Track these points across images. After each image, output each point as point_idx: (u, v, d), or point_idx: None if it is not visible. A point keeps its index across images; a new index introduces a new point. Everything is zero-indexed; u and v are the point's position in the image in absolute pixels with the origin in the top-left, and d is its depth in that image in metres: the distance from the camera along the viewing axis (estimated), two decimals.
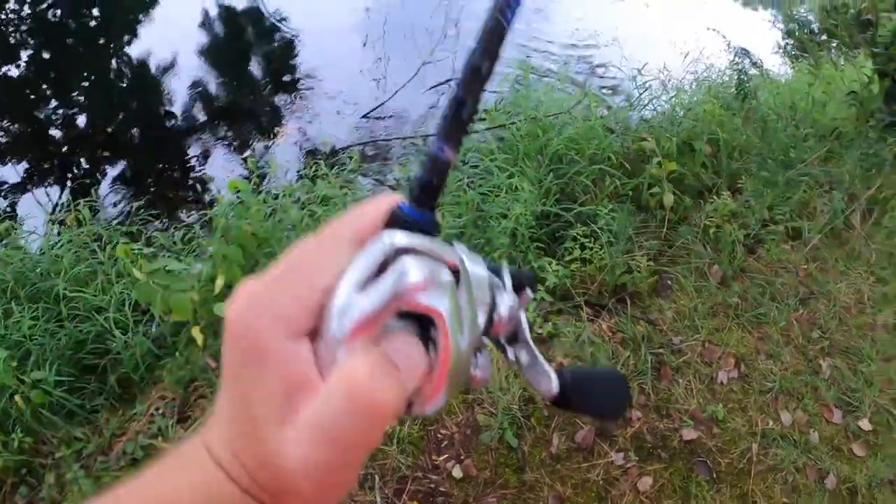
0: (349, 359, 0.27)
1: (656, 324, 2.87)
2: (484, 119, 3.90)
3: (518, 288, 0.38)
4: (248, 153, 4.64)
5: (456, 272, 0.30)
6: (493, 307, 0.35)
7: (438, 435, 2.37)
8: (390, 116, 4.71)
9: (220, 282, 2.18)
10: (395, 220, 0.31)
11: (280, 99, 5.30)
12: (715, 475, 2.46)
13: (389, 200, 0.32)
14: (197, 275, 2.28)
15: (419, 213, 0.31)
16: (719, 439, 2.55)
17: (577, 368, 0.40)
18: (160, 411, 2.30)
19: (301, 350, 0.28)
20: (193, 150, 4.70)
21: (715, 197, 3.30)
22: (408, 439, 2.29)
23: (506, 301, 0.36)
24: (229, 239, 2.35)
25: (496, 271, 0.38)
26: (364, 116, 4.72)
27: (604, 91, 4.73)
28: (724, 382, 2.71)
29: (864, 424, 2.77)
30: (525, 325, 0.38)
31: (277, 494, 0.27)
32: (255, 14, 6.40)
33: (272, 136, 4.83)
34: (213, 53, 5.81)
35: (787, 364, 2.82)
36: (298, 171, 4.16)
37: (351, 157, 3.62)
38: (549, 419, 2.51)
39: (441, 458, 2.30)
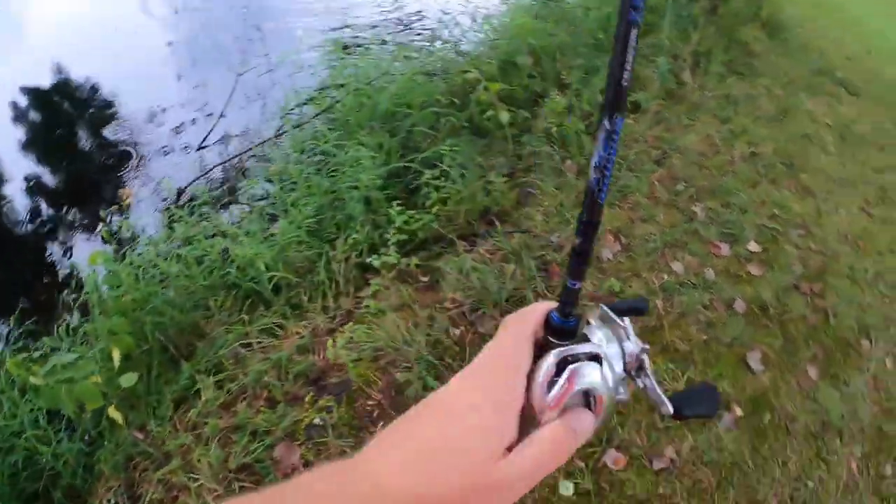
0: (550, 424, 0.45)
1: (530, 231, 2.91)
2: (310, 104, 3.95)
3: (637, 312, 0.57)
4: (102, 226, 4.49)
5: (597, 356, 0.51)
6: (624, 355, 0.53)
7: (367, 408, 2.27)
8: (231, 136, 4.69)
9: (116, 356, 2.18)
10: (549, 326, 0.51)
11: (115, 161, 5.15)
12: None
13: (544, 308, 0.50)
14: (93, 357, 2.27)
15: (565, 321, 0.51)
16: None
17: (679, 392, 0.57)
18: (112, 502, 2.10)
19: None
20: (50, 247, 4.48)
21: (547, 100, 3.44)
22: (342, 422, 2.17)
23: (631, 347, 0.53)
24: (109, 312, 2.38)
25: (621, 310, 0.55)
26: (200, 147, 4.66)
27: (422, 42, 4.90)
28: (610, 259, 2.78)
29: (752, 246, 2.93)
30: (647, 363, 0.54)
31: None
32: (65, 87, 6.21)
33: (120, 200, 4.69)
34: (37, 144, 5.57)
35: (662, 222, 2.94)
36: (158, 222, 4.05)
37: (200, 192, 3.57)
38: (462, 353, 2.46)
39: (377, 426, 2.22)
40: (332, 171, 3.37)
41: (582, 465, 2.19)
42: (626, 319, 0.57)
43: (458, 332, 2.49)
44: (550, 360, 0.50)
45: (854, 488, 2.44)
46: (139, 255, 2.88)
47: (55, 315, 3.72)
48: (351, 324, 2.42)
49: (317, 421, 2.10)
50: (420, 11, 5.55)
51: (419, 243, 2.95)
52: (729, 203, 3.06)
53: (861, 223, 3.32)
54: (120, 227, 3.68)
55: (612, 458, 2.23)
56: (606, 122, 0.49)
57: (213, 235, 2.97)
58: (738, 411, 2.40)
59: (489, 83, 3.47)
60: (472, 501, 0.41)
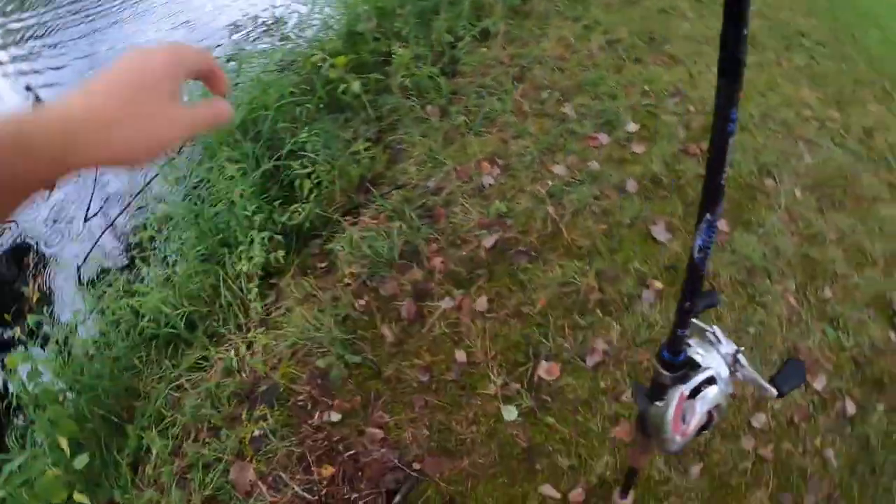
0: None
1: (406, 185, 2.87)
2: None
3: (711, 306, 0.75)
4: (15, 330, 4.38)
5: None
6: (725, 360, 0.71)
7: (299, 403, 2.24)
8: (111, 195, 4.63)
9: (63, 443, 2.22)
10: (662, 362, 0.75)
11: (11, 265, 5.04)
12: (534, 253, 2.47)
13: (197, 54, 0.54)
14: (42, 452, 2.32)
15: (675, 358, 0.72)
16: (517, 226, 2.58)
17: (774, 373, 0.71)
18: None
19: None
20: None
21: (394, 56, 3.43)
22: (280, 424, 2.14)
23: (725, 349, 0.71)
24: (44, 405, 2.43)
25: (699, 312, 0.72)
26: (87, 219, 4.62)
27: (265, 44, 4.89)
28: (492, 184, 2.76)
29: (630, 127, 2.95)
30: (743, 359, 0.71)
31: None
32: None
33: (28, 299, 4.59)
34: None
35: (535, 133, 2.93)
36: (69, 302, 3.99)
37: (99, 261, 3.60)
38: (372, 319, 2.42)
39: (314, 417, 2.18)
40: (210, 195, 3.34)
41: (517, 386, 2.16)
42: (715, 326, 0.75)
43: (363, 302, 2.46)
44: (685, 400, 0.71)
45: (798, 320, 2.47)
46: (56, 341, 2.90)
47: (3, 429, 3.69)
48: (264, 330, 2.45)
49: (257, 433, 2.14)
50: (256, 17, 5.51)
51: (309, 233, 2.93)
52: (597, 94, 3.08)
53: None
54: (33, 324, 3.67)
55: (546, 370, 2.20)
56: (708, 215, 0.64)
57: (122, 296, 2.96)
58: (657, 284, 2.39)
59: (335, 59, 3.47)
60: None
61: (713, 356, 0.72)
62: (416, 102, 3.23)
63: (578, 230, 2.51)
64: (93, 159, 0.43)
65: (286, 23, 4.47)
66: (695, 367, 0.75)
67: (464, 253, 2.54)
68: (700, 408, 0.72)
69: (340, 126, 3.31)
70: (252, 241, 2.77)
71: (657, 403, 0.78)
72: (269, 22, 5.14)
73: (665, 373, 0.74)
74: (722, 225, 2.60)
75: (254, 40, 5.30)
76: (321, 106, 3.51)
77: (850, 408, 2.37)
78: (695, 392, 0.72)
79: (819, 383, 2.37)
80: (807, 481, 2.17)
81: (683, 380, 0.77)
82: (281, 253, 2.70)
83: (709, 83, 3.28)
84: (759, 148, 2.95)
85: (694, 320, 0.72)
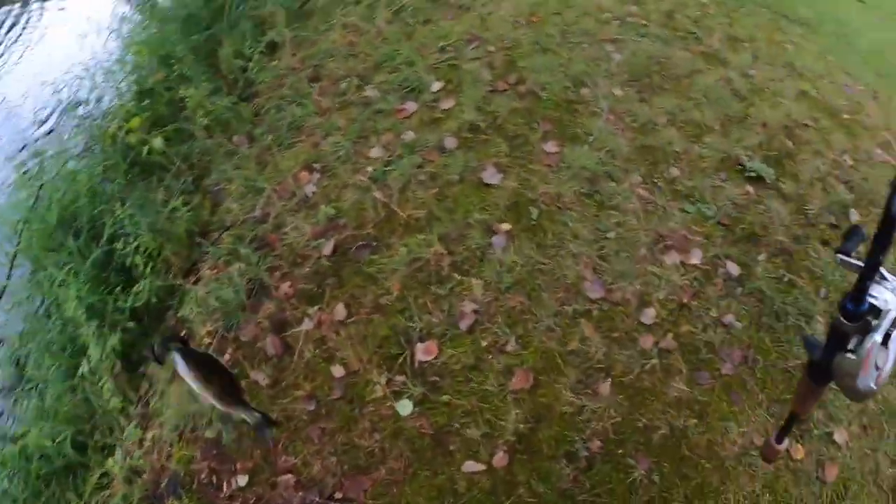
0: None
1: (233, 224, 2.82)
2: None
3: (862, 240, 0.83)
4: None
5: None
6: None
7: (202, 482, 2.16)
8: None
9: None
10: (847, 314, 0.80)
11: None
12: (374, 242, 2.49)
13: None
14: None
15: (860, 307, 0.77)
16: (350, 223, 2.58)
17: None
18: None
19: None
20: None
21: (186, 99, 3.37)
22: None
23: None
24: None
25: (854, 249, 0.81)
26: None
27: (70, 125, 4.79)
28: (314, 191, 2.75)
29: (435, 87, 3.05)
30: None
31: None
32: None
33: None
34: None
35: (342, 126, 2.97)
36: None
37: None
38: (241, 367, 2.32)
39: (223, 489, 2.11)
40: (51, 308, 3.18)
41: (402, 378, 2.13)
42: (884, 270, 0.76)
43: (227, 357, 2.40)
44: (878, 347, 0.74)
45: (654, 208, 2.56)
46: None
47: None
48: (145, 422, 2.40)
49: None
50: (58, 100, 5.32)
51: (159, 307, 2.83)
52: (395, 67, 3.13)
53: (526, 2, 3.53)
54: None
55: (423, 351, 2.18)
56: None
57: (5, 447, 2.76)
58: (504, 226, 2.42)
59: (128, 123, 3.40)
60: None
61: (891, 297, 0.75)
62: (222, 138, 3.19)
63: (411, 204, 2.52)
64: None
65: (81, 103, 4.36)
66: (876, 313, 0.79)
67: (307, 269, 2.50)
68: (894, 351, 0.71)
69: (154, 189, 3.23)
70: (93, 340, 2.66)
71: (848, 355, 0.83)
72: (69, 104, 4.99)
73: (849, 324, 0.73)
74: (550, 147, 2.67)
75: (54, 130, 5.13)
76: (130, 176, 3.43)
77: (734, 269, 2.47)
78: (885, 339, 0.76)
79: (695, 258, 2.46)
80: (718, 353, 2.24)
81: (866, 327, 0.81)
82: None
83: (503, 20, 3.40)
84: (565, 63, 3.08)
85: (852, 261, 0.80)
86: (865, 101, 3.80)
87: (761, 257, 2.56)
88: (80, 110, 4.41)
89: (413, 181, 2.59)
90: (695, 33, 3.45)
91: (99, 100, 4.30)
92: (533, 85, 2.93)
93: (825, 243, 2.70)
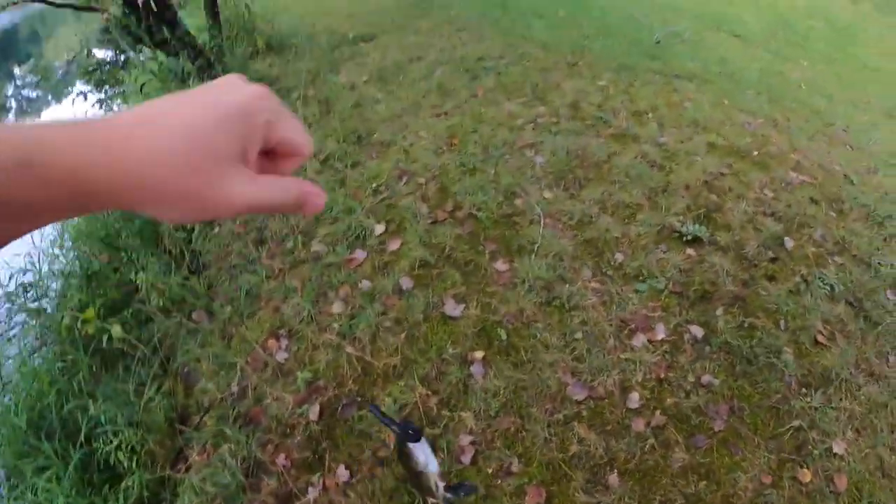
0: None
1: (213, 404, 2.96)
2: None
3: None
4: None
5: None
6: None
7: None
8: None
9: None
10: None
11: None
12: (359, 398, 2.66)
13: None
14: None
15: None
16: (330, 383, 2.78)
17: None
18: None
19: None
20: None
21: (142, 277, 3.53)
22: None
23: None
24: None
25: None
26: None
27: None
28: (286, 357, 2.96)
29: (378, 230, 3.31)
30: None
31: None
32: None
33: None
34: None
35: (298, 286, 3.20)
36: None
37: None
38: None
39: None
40: None
41: None
42: None
43: None
44: None
45: (610, 297, 2.86)
46: None
47: None
48: None
49: None
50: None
51: (153, 501, 2.90)
52: (335, 217, 3.43)
53: (443, 127, 3.92)
54: None
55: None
56: None
57: None
58: (478, 354, 2.68)
59: (84, 314, 3.50)
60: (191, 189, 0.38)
61: None
62: (181, 316, 3.36)
63: (385, 352, 2.75)
64: (114, 201, 0.37)
65: (28, 292, 4.40)
66: None
67: (299, 437, 2.67)
68: None
69: (122, 378, 3.32)
70: None
71: None
72: (14, 296, 4.97)
73: None
74: (500, 266, 2.98)
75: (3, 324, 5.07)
76: (94, 368, 3.51)
77: (698, 331, 2.78)
78: None
79: (660, 332, 2.76)
80: (706, 413, 2.50)
81: None
82: None
83: (424, 150, 3.79)
84: (494, 179, 3.44)
85: None
86: (768, 132, 4.31)
87: (719, 312, 2.88)
88: (30, 301, 4.48)
89: (380, 329, 2.84)
90: (601, 117, 3.91)
91: (45, 290, 4.39)
92: (469, 208, 3.27)
93: (771, 278, 3.05)
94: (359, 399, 2.70)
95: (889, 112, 6.41)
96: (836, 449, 2.36)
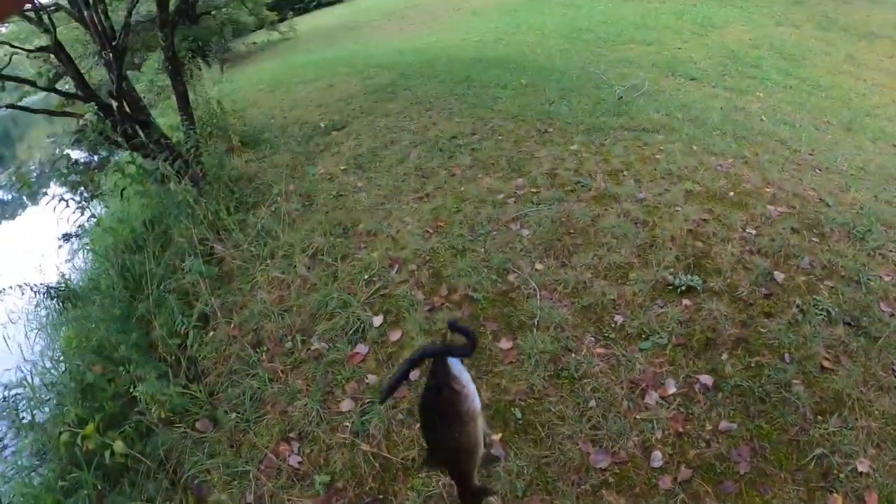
0: None
1: None
2: None
3: None
4: None
5: None
6: None
7: None
8: None
9: None
10: None
11: None
12: (380, 496, 2.63)
13: None
14: None
15: None
16: (349, 485, 2.75)
17: None
18: None
19: None
20: None
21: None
22: None
23: None
24: None
25: None
26: None
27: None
28: (300, 461, 2.93)
29: (377, 322, 3.34)
30: None
31: None
32: None
33: None
34: None
35: (303, 387, 3.20)
36: None
37: None
38: None
39: None
40: None
41: None
42: None
43: None
44: None
45: (617, 361, 2.88)
46: None
47: None
48: None
49: None
50: None
51: None
52: (331, 313, 3.45)
53: (427, 210, 4.00)
54: None
55: None
56: None
57: None
58: (496, 437, 2.68)
59: (84, 430, 3.40)
60: None
61: None
62: (183, 426, 3.30)
63: (401, 446, 2.74)
64: None
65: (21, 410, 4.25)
66: None
67: None
68: None
69: (130, 495, 3.21)
70: None
71: None
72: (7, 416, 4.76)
73: None
74: (504, 344, 3.01)
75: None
76: (98, 486, 3.40)
77: (707, 380, 2.81)
78: None
79: (671, 387, 2.78)
80: (730, 458, 2.49)
81: None
82: None
83: (411, 235, 3.87)
84: (485, 258, 3.51)
85: None
86: (740, 170, 4.45)
87: (724, 357, 2.92)
88: (24, 418, 4.33)
89: (394, 422, 2.83)
90: (579, 181, 4.03)
91: (39, 404, 4.26)
92: (465, 290, 3.33)
93: (768, 315, 3.11)
94: (380, 497, 2.67)
95: (847, 126, 6.66)
96: (860, 468, 2.36)
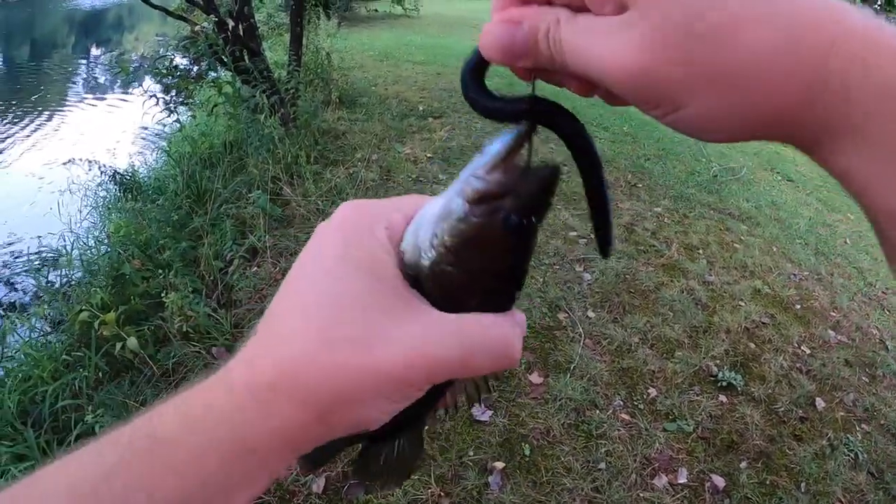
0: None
1: None
2: None
3: None
4: None
5: None
6: None
7: None
8: None
9: None
10: None
11: None
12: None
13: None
14: None
15: None
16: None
17: None
18: None
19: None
20: None
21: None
22: None
23: None
24: None
25: None
26: None
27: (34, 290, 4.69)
28: None
29: None
30: None
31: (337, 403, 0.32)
32: None
33: None
34: None
35: None
36: None
37: None
38: None
39: None
40: None
41: None
42: None
43: None
44: None
45: (639, 432, 2.83)
46: None
47: None
48: None
49: None
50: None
51: None
52: None
53: None
54: None
55: None
56: None
57: None
58: (499, 465, 2.65)
59: (105, 316, 3.44)
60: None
61: None
62: (199, 347, 3.33)
63: None
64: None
65: (49, 270, 4.28)
66: None
67: None
68: None
69: (126, 392, 3.25)
70: None
71: None
72: (35, 266, 4.81)
73: None
74: (535, 378, 2.98)
75: (18, 291, 4.93)
76: (100, 372, 3.44)
77: (719, 482, 2.72)
78: None
79: (682, 476, 2.71)
80: None
81: None
82: None
83: None
84: (542, 288, 3.46)
85: None
86: (812, 286, 4.30)
87: (743, 465, 2.83)
88: (52, 278, 4.38)
89: None
90: (654, 245, 3.95)
91: (69, 277, 4.19)
92: None
93: (798, 438, 3.00)
94: (367, 483, 2.66)
95: None
96: None
